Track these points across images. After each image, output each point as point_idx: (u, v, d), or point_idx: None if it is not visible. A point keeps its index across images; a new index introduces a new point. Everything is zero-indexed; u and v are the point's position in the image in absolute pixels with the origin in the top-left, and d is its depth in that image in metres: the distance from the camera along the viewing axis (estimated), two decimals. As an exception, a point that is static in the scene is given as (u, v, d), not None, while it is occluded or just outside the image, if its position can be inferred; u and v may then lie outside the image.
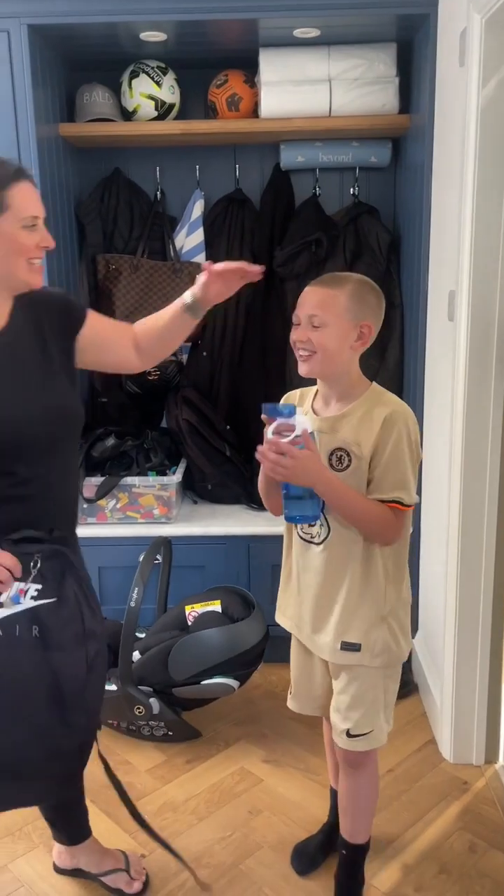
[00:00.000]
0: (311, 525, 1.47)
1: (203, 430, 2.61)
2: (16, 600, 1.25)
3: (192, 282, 2.59)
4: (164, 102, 2.41)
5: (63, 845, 1.70)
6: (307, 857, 1.73)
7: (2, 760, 1.27)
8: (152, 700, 2.09)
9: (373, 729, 1.49)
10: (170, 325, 1.49)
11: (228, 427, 2.70)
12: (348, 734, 1.49)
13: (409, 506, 1.39)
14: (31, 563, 1.26)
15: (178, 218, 2.67)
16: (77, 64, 2.50)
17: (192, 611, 2.25)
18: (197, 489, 2.68)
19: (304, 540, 1.50)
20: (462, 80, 1.81)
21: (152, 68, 2.39)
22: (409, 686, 2.40)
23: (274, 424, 1.35)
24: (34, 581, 1.26)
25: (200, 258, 2.63)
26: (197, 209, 2.61)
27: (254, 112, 2.43)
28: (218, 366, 2.70)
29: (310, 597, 1.50)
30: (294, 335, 1.43)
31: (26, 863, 1.75)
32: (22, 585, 1.25)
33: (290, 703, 1.65)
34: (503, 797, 1.92)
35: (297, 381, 2.94)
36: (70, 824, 1.67)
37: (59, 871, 1.72)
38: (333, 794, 1.76)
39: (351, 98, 2.34)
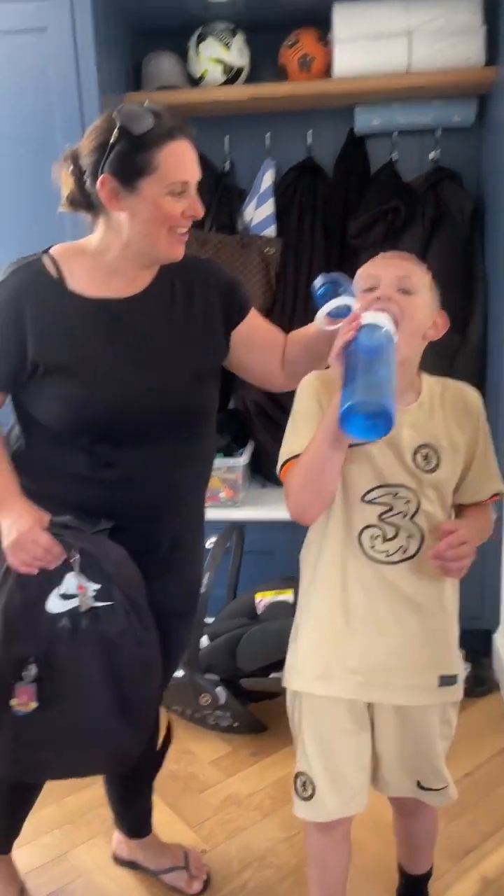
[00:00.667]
0: (387, 539, 1.18)
1: (271, 412, 2.51)
2: (73, 593, 1.19)
3: (261, 256, 2.56)
4: (232, 67, 2.29)
5: (123, 835, 1.65)
6: None
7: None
8: (219, 689, 2.03)
9: (447, 784, 1.33)
10: (322, 337, 1.23)
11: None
12: (420, 786, 1.32)
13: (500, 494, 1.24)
14: (70, 557, 1.19)
15: (248, 190, 2.56)
16: (143, 31, 2.41)
17: (263, 599, 2.18)
18: (265, 473, 2.59)
19: (377, 561, 1.19)
20: None
21: (220, 31, 2.28)
22: (488, 684, 2.25)
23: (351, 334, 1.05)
24: (90, 579, 1.19)
25: (270, 231, 2.51)
26: (267, 179, 2.49)
27: (327, 73, 2.29)
28: (288, 344, 2.59)
29: (393, 633, 1.21)
30: (372, 295, 1.14)
31: (86, 852, 1.72)
32: (80, 581, 1.19)
33: (322, 810, 1.26)
34: None
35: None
36: (133, 817, 1.63)
37: (118, 861, 1.68)
38: None
39: (432, 52, 2.17)
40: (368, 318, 1.07)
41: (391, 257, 1.20)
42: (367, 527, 1.19)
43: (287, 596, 2.15)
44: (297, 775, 1.29)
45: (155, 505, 1.29)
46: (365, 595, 1.20)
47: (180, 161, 1.17)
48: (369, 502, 1.19)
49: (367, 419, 0.98)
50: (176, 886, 1.60)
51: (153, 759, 1.54)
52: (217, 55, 2.28)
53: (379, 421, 0.98)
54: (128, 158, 1.15)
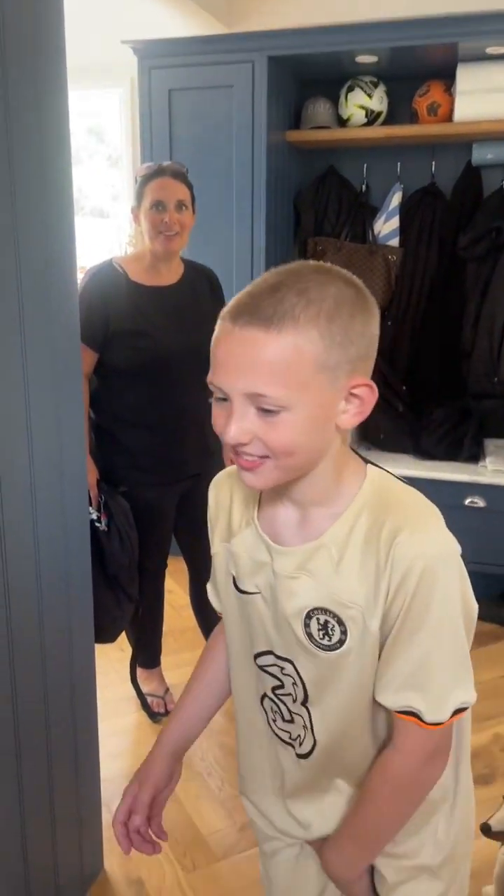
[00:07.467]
0: (285, 720, 0.91)
1: (379, 387, 3.08)
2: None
3: (384, 261, 3.14)
4: (373, 111, 2.89)
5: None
6: None
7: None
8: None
9: None
10: None
11: (405, 388, 3.15)
12: None
13: (433, 723, 0.78)
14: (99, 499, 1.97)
15: (379, 207, 3.15)
16: (304, 81, 3.06)
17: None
18: (370, 438, 3.17)
19: (282, 741, 0.93)
20: None
21: (366, 83, 2.88)
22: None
23: None
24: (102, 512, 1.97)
25: (394, 242, 3.09)
26: (395, 199, 3.07)
27: (449, 117, 2.83)
28: (400, 333, 3.16)
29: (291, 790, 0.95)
30: (227, 433, 0.77)
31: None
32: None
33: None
34: None
35: (479, 352, 3.31)
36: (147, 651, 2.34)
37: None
38: None
39: (537, 104, 2.67)
40: None
41: (234, 339, 0.75)
42: (265, 696, 0.92)
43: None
44: None
45: (195, 421, 1.98)
46: (290, 770, 0.94)
47: (157, 189, 1.93)
48: (261, 667, 0.90)
49: None
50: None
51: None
52: (361, 102, 2.88)
53: None
54: (137, 191, 1.99)
